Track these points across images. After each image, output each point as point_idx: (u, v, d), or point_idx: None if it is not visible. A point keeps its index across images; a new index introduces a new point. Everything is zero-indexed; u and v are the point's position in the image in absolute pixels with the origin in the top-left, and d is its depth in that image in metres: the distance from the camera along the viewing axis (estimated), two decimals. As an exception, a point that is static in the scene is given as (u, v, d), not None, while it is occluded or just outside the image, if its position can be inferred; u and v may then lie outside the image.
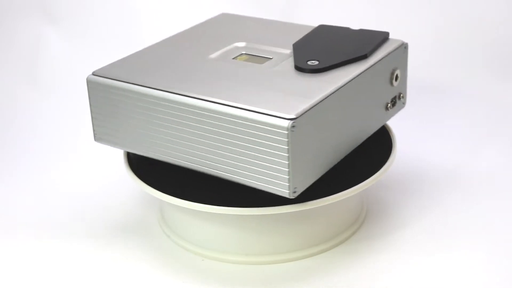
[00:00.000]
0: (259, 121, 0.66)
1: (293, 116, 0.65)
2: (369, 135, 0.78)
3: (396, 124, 0.89)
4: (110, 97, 0.74)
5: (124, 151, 0.81)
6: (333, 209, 0.76)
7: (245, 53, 0.80)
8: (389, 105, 0.79)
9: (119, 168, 0.90)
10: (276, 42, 0.81)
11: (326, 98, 0.68)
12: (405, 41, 0.80)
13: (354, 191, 0.73)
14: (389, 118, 0.80)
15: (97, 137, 0.78)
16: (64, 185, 0.92)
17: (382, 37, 0.78)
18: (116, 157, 0.93)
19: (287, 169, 0.66)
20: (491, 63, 1.12)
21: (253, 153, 0.67)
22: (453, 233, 0.79)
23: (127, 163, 0.79)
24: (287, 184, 0.66)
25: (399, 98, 0.81)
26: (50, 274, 0.76)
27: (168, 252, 0.78)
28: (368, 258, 0.76)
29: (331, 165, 0.72)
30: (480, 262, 0.75)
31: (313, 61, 0.74)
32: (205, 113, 0.68)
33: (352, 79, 0.72)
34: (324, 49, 0.77)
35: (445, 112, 1.05)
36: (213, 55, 0.79)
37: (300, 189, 0.68)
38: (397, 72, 0.78)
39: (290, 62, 0.75)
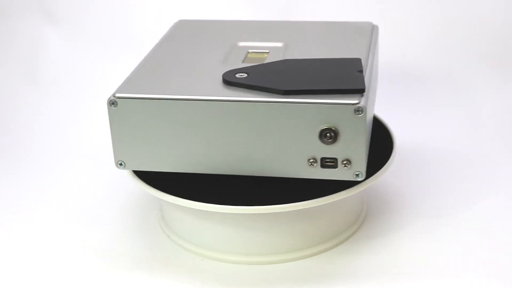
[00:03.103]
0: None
1: (116, 94, 0.70)
2: (271, 175, 0.71)
3: (397, 123, 0.89)
4: None
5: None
6: (333, 209, 0.76)
7: (266, 52, 0.79)
8: (312, 160, 0.70)
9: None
10: (315, 53, 0.78)
11: (169, 100, 0.69)
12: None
13: (354, 191, 0.73)
14: (317, 176, 0.70)
15: None
16: (64, 184, 0.92)
17: (344, 87, 0.68)
18: (116, 157, 0.93)
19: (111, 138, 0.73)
20: (492, 60, 1.11)
21: None
22: (454, 233, 0.79)
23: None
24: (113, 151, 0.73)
25: (344, 164, 0.69)
26: (48, 273, 0.75)
27: (168, 252, 0.78)
28: (368, 258, 0.76)
29: (185, 170, 0.72)
30: (480, 263, 0.75)
31: (242, 74, 0.72)
32: None
33: (227, 101, 0.68)
34: (282, 72, 0.73)
35: (446, 112, 1.05)
36: (242, 44, 0.81)
37: (129, 166, 0.73)
38: (333, 132, 0.68)
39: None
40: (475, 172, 0.91)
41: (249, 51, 0.80)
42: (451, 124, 1.02)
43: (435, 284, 0.72)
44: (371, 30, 0.84)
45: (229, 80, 0.71)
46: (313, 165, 0.70)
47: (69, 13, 1.20)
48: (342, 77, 0.70)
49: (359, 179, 0.70)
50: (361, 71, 0.71)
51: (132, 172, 0.77)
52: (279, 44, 0.81)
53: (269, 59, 0.77)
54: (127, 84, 0.73)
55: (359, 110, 0.67)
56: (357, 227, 0.80)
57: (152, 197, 0.86)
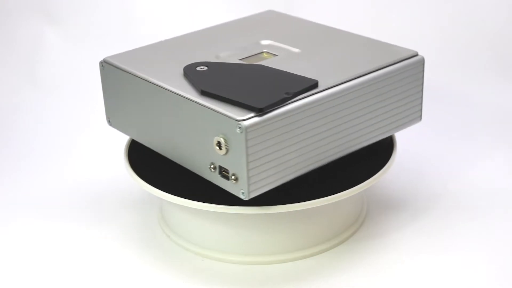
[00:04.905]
0: None
1: (105, 58, 0.79)
2: (190, 169, 0.72)
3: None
4: None
5: (125, 151, 0.82)
6: (333, 209, 0.76)
7: (275, 54, 0.78)
8: (212, 166, 0.69)
9: (119, 167, 0.90)
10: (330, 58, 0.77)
11: (131, 75, 0.75)
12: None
13: (354, 191, 0.73)
14: (217, 183, 0.69)
15: None
16: (64, 184, 0.92)
17: (246, 101, 0.66)
18: (116, 156, 0.93)
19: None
20: (494, 65, 1.12)
21: None
22: (453, 233, 0.79)
23: (127, 162, 0.79)
24: None
25: (232, 178, 0.67)
26: (49, 273, 0.76)
27: (168, 252, 0.78)
28: (368, 258, 0.76)
29: (140, 141, 0.78)
30: (479, 263, 0.75)
31: (203, 67, 0.73)
32: None
33: (159, 87, 0.72)
34: (232, 74, 0.72)
35: (446, 113, 1.05)
36: (266, 42, 0.81)
37: (113, 124, 0.80)
38: (223, 142, 0.66)
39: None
40: (474, 173, 0.91)
41: (264, 50, 0.79)
42: (451, 126, 1.02)
43: (435, 283, 0.72)
44: (403, 58, 0.76)
45: (184, 71, 0.73)
46: (212, 170, 0.69)
47: (69, 13, 1.20)
48: (262, 92, 0.68)
49: (243, 198, 0.67)
50: (289, 93, 0.68)
51: (133, 171, 0.78)
52: (296, 50, 0.79)
53: (266, 62, 0.76)
54: (122, 53, 0.80)
55: (240, 127, 0.64)
56: (357, 227, 0.80)
57: (152, 196, 0.86)
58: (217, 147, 0.67)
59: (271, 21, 0.88)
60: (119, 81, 0.77)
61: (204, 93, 0.69)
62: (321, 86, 0.70)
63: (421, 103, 0.79)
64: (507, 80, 1.10)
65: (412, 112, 0.78)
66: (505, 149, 0.95)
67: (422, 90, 0.78)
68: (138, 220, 0.84)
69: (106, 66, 0.78)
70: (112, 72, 0.77)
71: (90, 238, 0.81)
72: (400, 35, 1.14)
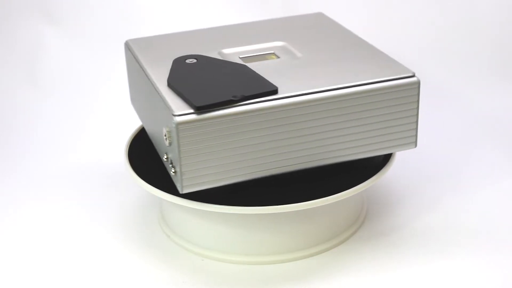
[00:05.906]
0: None
1: (127, 40, 0.83)
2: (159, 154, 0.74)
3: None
4: None
5: (125, 151, 0.82)
6: (333, 209, 0.76)
7: (278, 57, 0.78)
8: (165, 156, 0.70)
9: (119, 167, 0.90)
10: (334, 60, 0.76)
11: (135, 59, 0.79)
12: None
13: (354, 191, 0.73)
14: (171, 175, 0.70)
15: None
16: (64, 184, 0.92)
17: (191, 98, 0.66)
18: (116, 156, 0.93)
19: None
20: (492, 64, 1.12)
21: None
22: (453, 233, 0.79)
23: (127, 162, 0.79)
24: None
25: (173, 169, 0.68)
26: (48, 272, 0.75)
27: (168, 252, 0.78)
28: (368, 258, 0.76)
29: (141, 121, 0.83)
30: (480, 263, 0.75)
31: (192, 60, 0.75)
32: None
33: (145, 74, 0.75)
34: (211, 70, 0.72)
35: (445, 113, 1.05)
36: (278, 44, 0.81)
37: (132, 103, 0.85)
38: (167, 134, 0.67)
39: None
40: (474, 172, 0.91)
41: (272, 52, 0.79)
42: (451, 126, 1.02)
43: (434, 284, 0.72)
44: (393, 78, 0.71)
45: (173, 62, 0.75)
46: (165, 160, 0.70)
47: (69, 13, 1.20)
48: (214, 91, 0.68)
49: (180, 191, 0.68)
50: (237, 96, 0.67)
51: (133, 171, 0.78)
52: (299, 55, 0.77)
53: (262, 62, 0.76)
54: (145, 37, 0.83)
55: (174, 122, 0.65)
56: (357, 227, 0.80)
57: (152, 196, 0.86)
58: (165, 138, 0.68)
59: (309, 24, 0.86)
60: (130, 63, 0.81)
61: (168, 85, 0.70)
62: (281, 93, 0.68)
63: (416, 128, 0.73)
64: (507, 81, 1.10)
65: (404, 137, 0.73)
66: (505, 149, 0.95)
67: (417, 115, 0.72)
68: (138, 220, 0.84)
69: (126, 48, 0.83)
70: (128, 54, 0.82)
71: (89, 238, 0.81)
72: (397, 33, 1.14)
